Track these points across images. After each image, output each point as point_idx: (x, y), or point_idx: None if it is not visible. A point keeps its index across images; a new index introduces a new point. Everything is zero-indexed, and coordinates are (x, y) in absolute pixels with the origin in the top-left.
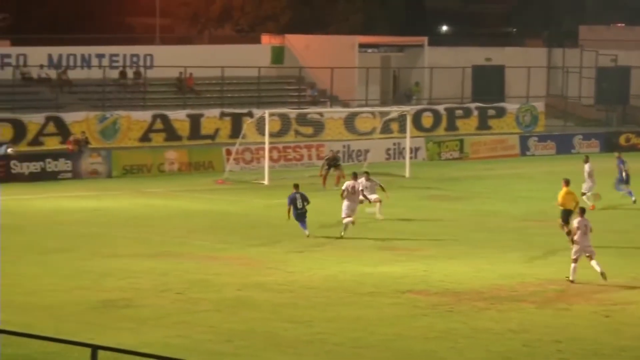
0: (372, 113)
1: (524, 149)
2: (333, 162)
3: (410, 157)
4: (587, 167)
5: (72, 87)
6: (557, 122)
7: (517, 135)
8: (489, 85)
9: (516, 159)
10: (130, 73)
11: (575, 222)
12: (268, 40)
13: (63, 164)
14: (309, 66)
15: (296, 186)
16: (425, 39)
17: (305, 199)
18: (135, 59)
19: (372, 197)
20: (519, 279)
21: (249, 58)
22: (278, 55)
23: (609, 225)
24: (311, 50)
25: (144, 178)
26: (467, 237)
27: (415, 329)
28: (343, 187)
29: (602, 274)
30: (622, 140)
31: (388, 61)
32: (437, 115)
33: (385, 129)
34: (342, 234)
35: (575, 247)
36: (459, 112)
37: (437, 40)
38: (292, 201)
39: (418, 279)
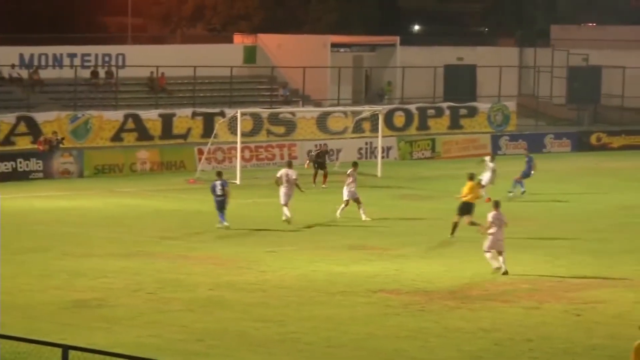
0: (344, 112)
1: (496, 148)
2: (321, 159)
3: (382, 157)
4: (492, 165)
5: (43, 87)
6: (528, 122)
7: (488, 134)
8: (460, 84)
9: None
10: (102, 73)
11: (489, 215)
12: (240, 40)
13: (34, 164)
14: (281, 66)
15: (219, 174)
16: (397, 39)
17: (224, 185)
18: (107, 58)
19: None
20: (490, 278)
21: (221, 57)
22: (250, 54)
23: (584, 224)
24: (283, 50)
25: (116, 178)
26: (438, 237)
27: (387, 328)
28: (278, 175)
29: (503, 271)
30: (593, 139)
31: (360, 61)
32: (409, 115)
33: (357, 128)
34: (284, 218)
35: (488, 241)
36: (430, 112)
37: (410, 39)
38: (212, 189)
39: (390, 278)
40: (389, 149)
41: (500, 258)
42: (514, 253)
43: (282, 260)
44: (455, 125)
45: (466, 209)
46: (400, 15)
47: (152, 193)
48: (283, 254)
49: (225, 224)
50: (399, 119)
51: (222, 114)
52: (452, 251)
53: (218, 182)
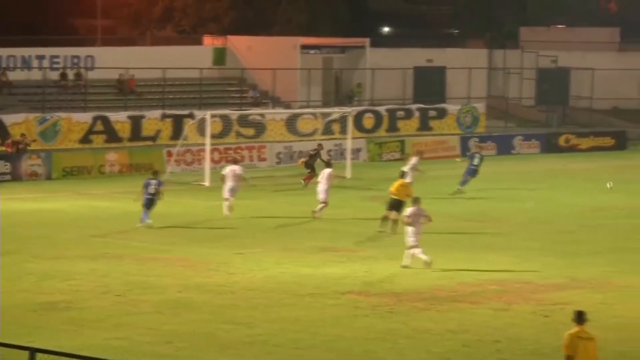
0: (314, 114)
1: (465, 149)
2: (314, 160)
3: (352, 158)
4: (414, 160)
5: (11, 89)
6: (498, 123)
7: (457, 136)
8: (430, 86)
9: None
10: (70, 74)
11: (407, 211)
12: (210, 42)
13: (2, 166)
14: (251, 67)
15: (155, 173)
16: (367, 41)
17: (159, 185)
18: (76, 60)
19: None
20: (458, 279)
21: (190, 59)
22: (220, 56)
23: (554, 225)
24: (253, 52)
25: (85, 180)
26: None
27: (356, 330)
28: (223, 173)
29: (406, 267)
30: (561, 141)
31: (330, 62)
32: (378, 117)
33: (327, 130)
34: (227, 213)
35: (409, 237)
36: (400, 113)
37: (379, 41)
38: (146, 186)
39: (358, 279)
40: (358, 150)
41: (413, 251)
42: (483, 254)
43: (250, 262)
44: (424, 126)
45: (396, 205)
46: (370, 17)
47: (121, 195)
48: (252, 256)
49: (148, 221)
50: (368, 121)
51: (192, 116)
52: None
53: (153, 181)
